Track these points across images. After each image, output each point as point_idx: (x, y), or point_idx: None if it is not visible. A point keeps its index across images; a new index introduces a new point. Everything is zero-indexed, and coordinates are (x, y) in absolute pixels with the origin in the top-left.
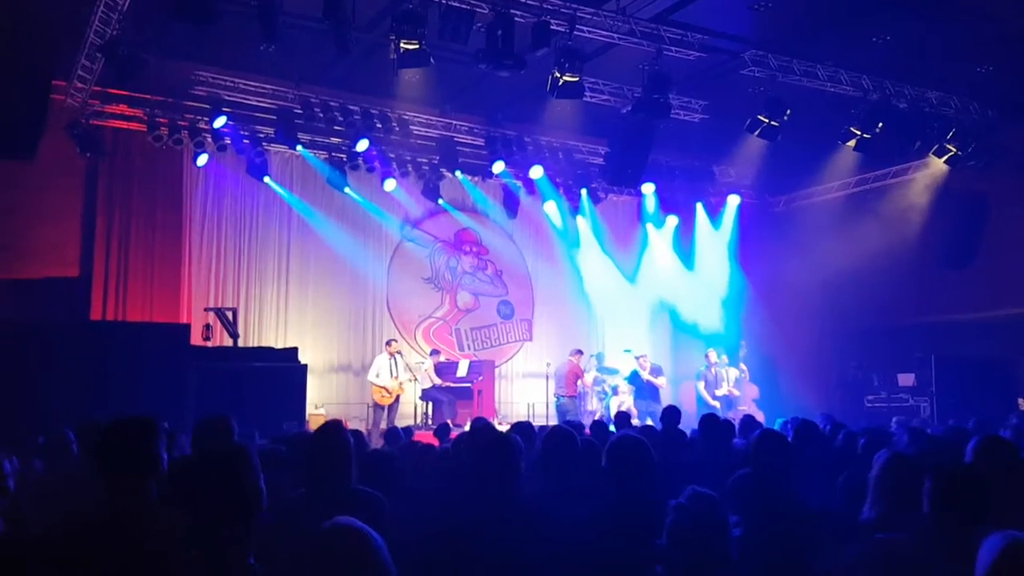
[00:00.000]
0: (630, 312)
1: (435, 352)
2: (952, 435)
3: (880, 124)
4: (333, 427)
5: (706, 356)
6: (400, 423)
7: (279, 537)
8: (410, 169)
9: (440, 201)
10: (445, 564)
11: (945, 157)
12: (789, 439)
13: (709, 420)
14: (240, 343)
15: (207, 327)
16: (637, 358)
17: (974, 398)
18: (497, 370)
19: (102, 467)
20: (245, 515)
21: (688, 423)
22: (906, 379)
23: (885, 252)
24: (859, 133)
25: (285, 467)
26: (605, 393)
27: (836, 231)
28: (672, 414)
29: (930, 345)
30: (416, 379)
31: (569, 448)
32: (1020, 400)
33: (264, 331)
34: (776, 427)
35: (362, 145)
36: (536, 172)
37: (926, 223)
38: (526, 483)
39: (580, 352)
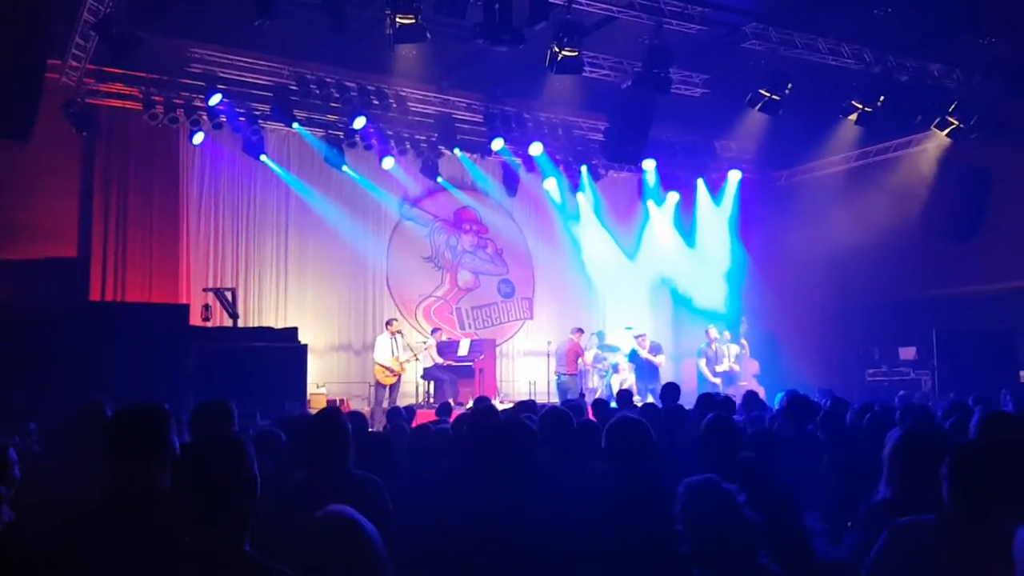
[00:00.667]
0: (631, 289)
1: (436, 331)
2: (955, 411)
3: (882, 97)
4: (331, 412)
5: (707, 333)
6: (402, 402)
7: (277, 521)
8: (408, 147)
9: (439, 179)
10: (450, 546)
11: (947, 130)
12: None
13: (706, 399)
14: (240, 323)
15: (206, 307)
16: (636, 337)
17: (975, 371)
18: (498, 348)
19: (110, 455)
20: (238, 503)
21: (689, 400)
22: (907, 353)
23: (888, 226)
24: (861, 106)
25: (284, 450)
26: (606, 371)
27: (838, 205)
28: (671, 391)
29: (933, 319)
30: (417, 358)
31: (566, 429)
32: (1022, 373)
33: (264, 311)
34: (776, 401)
35: (359, 122)
36: (536, 149)
37: (929, 196)
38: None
39: (581, 330)
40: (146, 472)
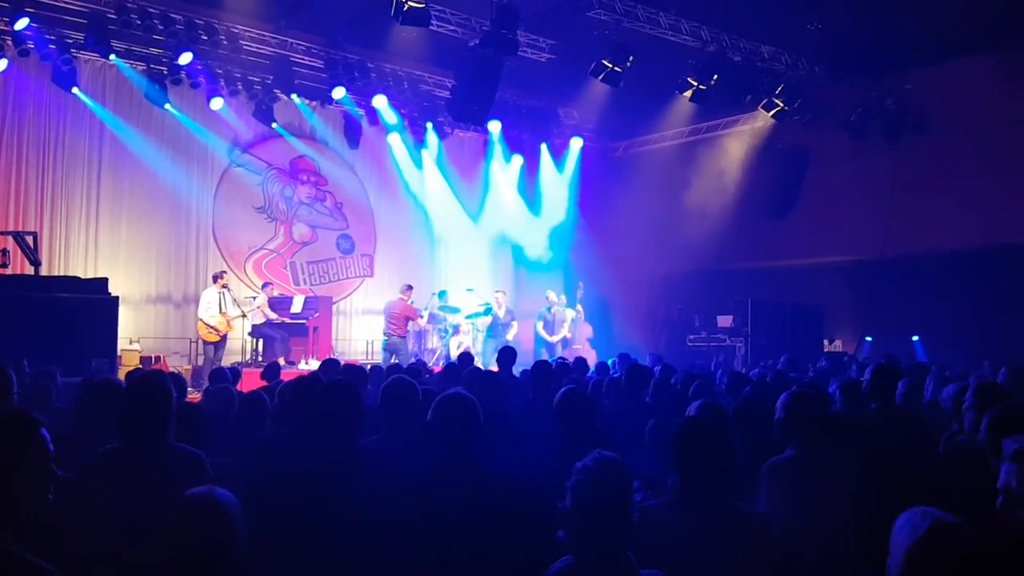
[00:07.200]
0: (473, 249)
1: (267, 285)
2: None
3: (715, 76)
4: (156, 379)
5: (547, 297)
6: (228, 360)
7: (84, 495)
8: (240, 88)
9: (274, 125)
10: (276, 516)
11: (773, 111)
12: (618, 376)
13: (540, 368)
14: (42, 271)
15: (3, 252)
16: (495, 293)
17: (785, 340)
18: (335, 306)
19: None
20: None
21: (526, 361)
22: (724, 321)
23: (712, 200)
24: (695, 84)
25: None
26: (446, 331)
27: (668, 178)
28: (507, 356)
29: (750, 289)
30: (246, 315)
31: (409, 399)
32: (826, 342)
33: (71, 258)
34: (609, 364)
35: (185, 58)
36: (379, 101)
37: (751, 174)
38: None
39: (410, 288)
40: None
